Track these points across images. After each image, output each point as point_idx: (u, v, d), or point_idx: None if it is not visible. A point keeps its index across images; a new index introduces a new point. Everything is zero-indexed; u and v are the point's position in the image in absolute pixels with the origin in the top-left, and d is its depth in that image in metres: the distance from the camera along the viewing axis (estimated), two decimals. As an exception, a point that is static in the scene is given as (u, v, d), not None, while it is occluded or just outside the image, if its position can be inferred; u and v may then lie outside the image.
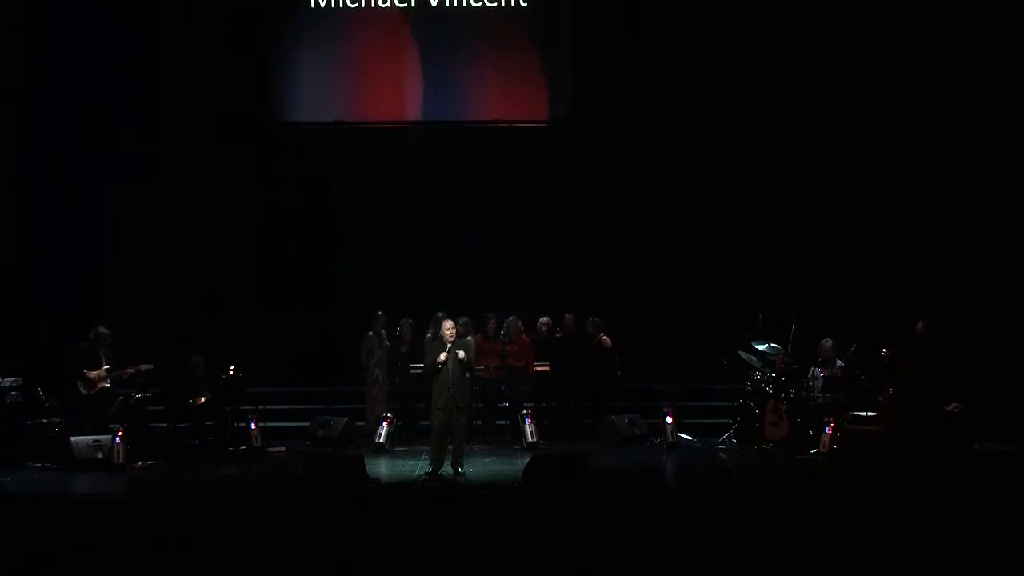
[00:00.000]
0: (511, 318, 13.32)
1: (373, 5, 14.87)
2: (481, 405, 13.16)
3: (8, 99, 13.83)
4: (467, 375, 10.92)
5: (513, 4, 14.89)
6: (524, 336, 13.31)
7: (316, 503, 9.52)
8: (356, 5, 14.87)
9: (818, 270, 14.03)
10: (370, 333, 13.14)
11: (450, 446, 10.96)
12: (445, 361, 10.74)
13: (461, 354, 10.76)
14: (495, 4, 14.90)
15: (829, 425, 11.81)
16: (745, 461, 12.01)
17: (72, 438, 11.50)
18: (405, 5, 14.90)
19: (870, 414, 11.83)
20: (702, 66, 14.55)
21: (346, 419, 12.84)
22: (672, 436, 12.62)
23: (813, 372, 12.54)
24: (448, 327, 10.90)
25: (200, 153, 14.27)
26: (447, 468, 10.91)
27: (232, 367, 12.40)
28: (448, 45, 14.94)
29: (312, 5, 14.86)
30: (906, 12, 13.98)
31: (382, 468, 11.38)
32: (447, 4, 14.88)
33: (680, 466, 11.91)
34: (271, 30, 14.96)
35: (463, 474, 10.90)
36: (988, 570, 7.85)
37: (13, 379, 12.14)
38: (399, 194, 14.83)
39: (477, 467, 11.30)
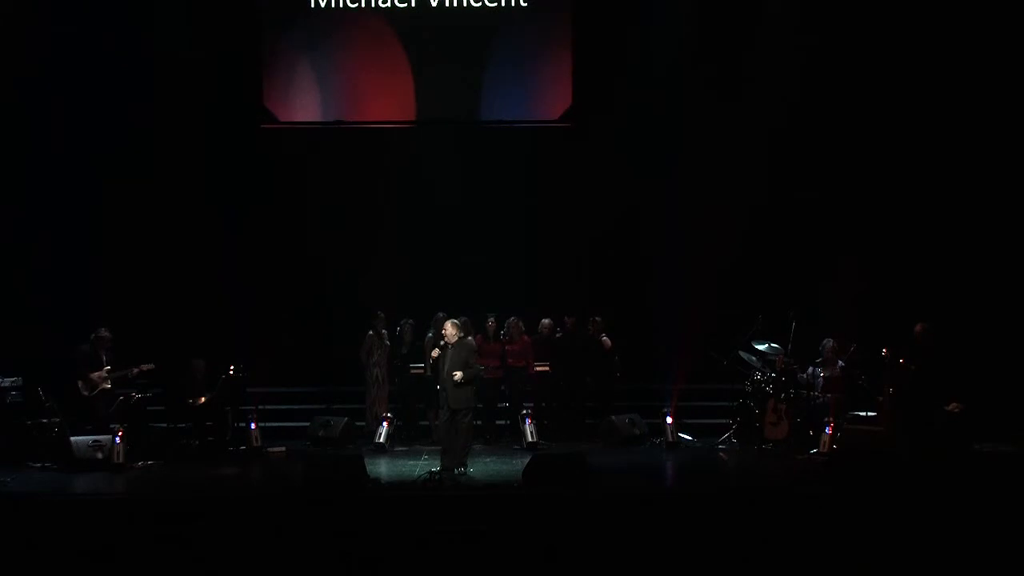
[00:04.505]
0: (512, 318, 13.33)
1: (373, 5, 14.87)
2: (481, 405, 13.17)
3: (8, 99, 13.82)
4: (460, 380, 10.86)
5: (513, 4, 14.90)
6: (525, 336, 13.31)
7: (316, 503, 9.52)
8: (356, 5, 14.88)
9: (818, 270, 14.02)
10: (370, 332, 13.15)
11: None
12: (436, 359, 10.85)
13: (458, 375, 10.70)
14: (495, 4, 14.91)
15: (829, 425, 11.81)
16: (745, 461, 12.02)
17: (72, 438, 11.50)
18: (405, 5, 14.89)
19: (870, 414, 11.82)
20: (702, 66, 14.55)
21: (346, 419, 12.84)
22: (672, 436, 12.62)
23: (813, 372, 12.53)
24: (445, 328, 10.97)
25: (200, 153, 14.28)
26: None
27: (232, 367, 12.41)
28: (448, 45, 14.93)
29: (312, 5, 14.87)
30: (903, 23, 14.00)
31: (382, 468, 11.38)
32: (447, 4, 14.88)
33: (680, 466, 11.90)
34: (271, 30, 14.96)
35: (466, 474, 10.91)
36: (988, 570, 7.85)
37: (13, 379, 12.14)
38: (399, 194, 14.86)
39: (477, 467, 11.30)
